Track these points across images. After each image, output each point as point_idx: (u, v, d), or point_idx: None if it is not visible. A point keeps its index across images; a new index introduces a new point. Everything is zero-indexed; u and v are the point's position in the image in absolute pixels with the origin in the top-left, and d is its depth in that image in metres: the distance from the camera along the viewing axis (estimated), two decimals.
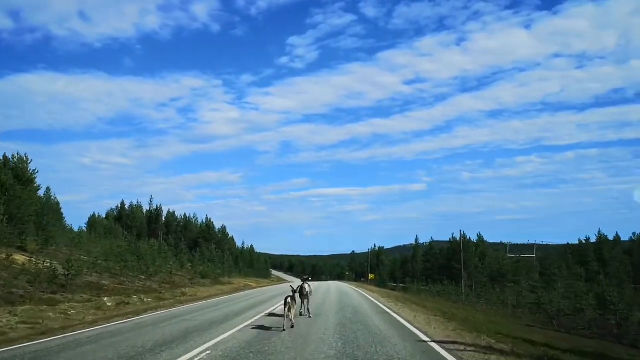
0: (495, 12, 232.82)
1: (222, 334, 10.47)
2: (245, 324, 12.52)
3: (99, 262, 29.76)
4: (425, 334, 10.45)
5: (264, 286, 54.60)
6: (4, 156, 35.99)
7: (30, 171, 36.70)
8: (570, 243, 73.64)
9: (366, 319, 13.71)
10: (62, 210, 48.84)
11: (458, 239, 62.53)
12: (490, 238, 75.78)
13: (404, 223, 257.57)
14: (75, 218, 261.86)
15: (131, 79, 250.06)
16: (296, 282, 14.74)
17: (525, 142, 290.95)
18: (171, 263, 43.64)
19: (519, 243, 79.20)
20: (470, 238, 65.61)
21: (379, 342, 9.26)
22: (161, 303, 21.33)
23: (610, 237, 68.08)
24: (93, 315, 15.79)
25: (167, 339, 9.80)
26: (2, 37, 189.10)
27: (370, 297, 26.52)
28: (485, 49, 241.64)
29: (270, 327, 11.61)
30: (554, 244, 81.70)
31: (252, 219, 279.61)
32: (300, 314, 13.80)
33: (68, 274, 21.57)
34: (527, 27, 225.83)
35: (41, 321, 13.54)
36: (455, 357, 7.73)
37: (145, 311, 17.22)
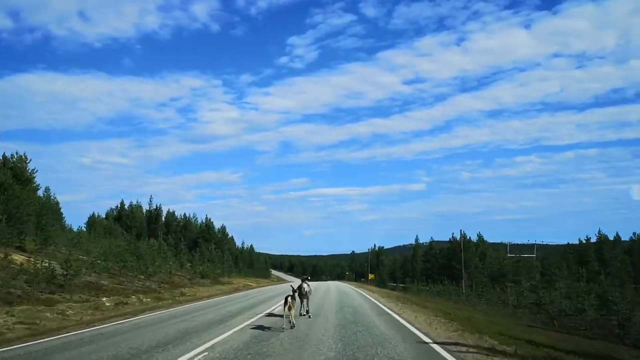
0: (495, 12, 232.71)
1: (220, 335, 10.32)
2: (244, 324, 12.39)
3: (98, 262, 29.63)
4: (426, 335, 10.30)
5: (263, 286, 54.48)
6: (3, 156, 35.96)
7: (29, 171, 36.65)
8: (570, 243, 73.56)
9: (366, 320, 13.57)
10: (61, 210, 48.86)
11: (458, 238, 62.41)
12: (490, 238, 75.77)
13: (403, 223, 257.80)
14: (75, 218, 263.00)
15: (131, 78, 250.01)
16: (296, 282, 14.61)
17: (525, 142, 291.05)
18: (170, 263, 43.49)
19: (519, 243, 79.14)
20: (470, 238, 65.55)
21: (379, 343, 9.11)
22: (160, 303, 21.20)
23: (611, 237, 68.05)
24: (91, 315, 15.66)
25: (163, 340, 9.65)
26: (2, 37, 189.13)
27: (370, 297, 26.39)
28: (485, 48, 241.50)
29: (269, 328, 11.48)
30: (554, 243, 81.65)
31: (252, 219, 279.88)
32: (300, 314, 13.67)
33: (66, 274, 21.45)
34: (527, 27, 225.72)
35: (38, 321, 13.41)
36: None
37: (143, 311, 17.08)
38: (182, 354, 8.08)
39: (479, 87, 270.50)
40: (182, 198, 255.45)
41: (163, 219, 78.44)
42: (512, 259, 64.65)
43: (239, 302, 22.49)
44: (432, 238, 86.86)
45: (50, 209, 37.93)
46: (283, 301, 11.91)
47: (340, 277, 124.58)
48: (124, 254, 33.76)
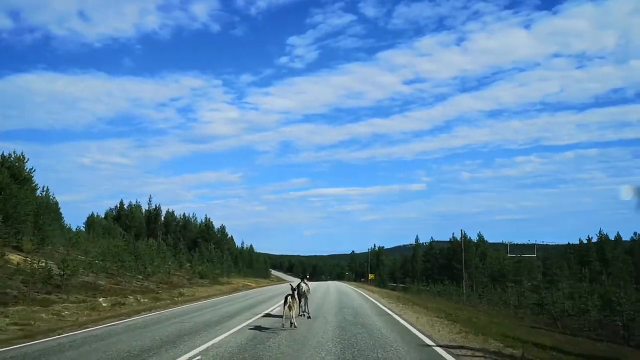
0: (494, 12, 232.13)
1: (216, 336, 10.03)
2: (241, 325, 12.10)
3: (96, 262, 29.40)
4: (429, 337, 10.00)
5: (263, 286, 54.25)
6: (2, 155, 35.65)
7: (27, 170, 36.34)
8: (570, 243, 73.33)
9: (367, 321, 13.30)
10: (60, 210, 48.51)
11: (458, 238, 62.14)
12: (490, 238, 75.48)
13: (403, 223, 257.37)
14: (75, 218, 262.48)
15: (131, 78, 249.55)
16: (296, 282, 14.36)
17: (525, 142, 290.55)
18: (169, 263, 43.23)
19: (519, 243, 78.80)
20: (470, 238, 65.28)
21: (380, 346, 8.81)
22: (157, 304, 20.94)
23: (611, 237, 67.81)
24: (87, 316, 15.42)
25: (157, 343, 9.36)
26: (2, 37, 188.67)
27: (371, 298, 26.15)
28: (485, 48, 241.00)
29: (267, 329, 11.20)
30: (554, 244, 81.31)
31: (252, 219, 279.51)
32: (299, 315, 13.41)
33: (63, 274, 21.23)
34: (527, 27, 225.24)
35: (33, 322, 13.19)
36: None
37: (139, 312, 16.80)
38: (175, 358, 7.78)
39: (479, 87, 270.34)
40: (182, 198, 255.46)
41: (162, 219, 78.12)
42: (512, 259, 64.38)
43: (238, 303, 22.24)
44: (432, 238, 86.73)
45: (49, 209, 37.62)
46: (283, 301, 11.66)
47: (340, 277, 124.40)
48: (122, 253, 33.50)
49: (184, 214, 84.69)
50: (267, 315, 15.06)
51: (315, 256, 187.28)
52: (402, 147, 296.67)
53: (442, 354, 8.01)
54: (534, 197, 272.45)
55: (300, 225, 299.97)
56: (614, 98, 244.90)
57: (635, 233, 69.50)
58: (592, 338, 16.96)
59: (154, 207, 78.06)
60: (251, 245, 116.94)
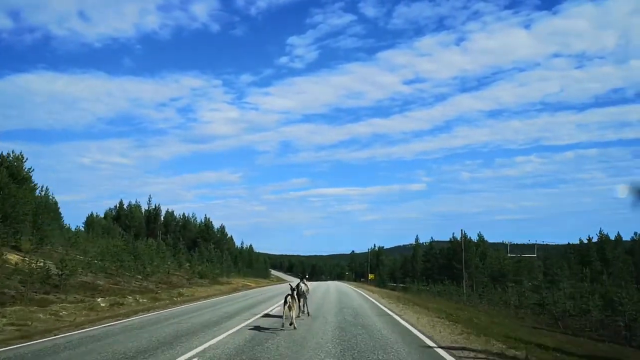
0: (494, 12, 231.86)
1: (214, 337, 9.88)
2: (240, 326, 11.96)
3: (95, 261, 29.26)
4: (430, 338, 9.84)
5: (263, 286, 54.14)
6: (0, 155, 35.50)
7: (26, 170, 36.19)
8: (570, 243, 73.24)
9: (367, 322, 13.15)
10: (60, 210, 48.37)
11: (458, 238, 62.01)
12: (490, 238, 75.34)
13: (403, 223, 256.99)
14: (75, 218, 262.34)
15: (131, 78, 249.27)
16: (296, 282, 14.25)
17: (525, 142, 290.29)
18: (169, 263, 43.08)
19: (519, 243, 78.71)
20: (470, 238, 65.15)
21: (380, 347, 8.66)
22: (156, 304, 20.81)
23: (611, 237, 67.71)
24: (85, 316, 15.29)
25: (153, 344, 9.20)
26: (2, 37, 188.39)
27: (371, 298, 26.03)
28: (485, 48, 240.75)
29: (266, 330, 11.07)
30: (554, 243, 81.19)
31: (252, 219, 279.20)
32: (298, 315, 13.29)
33: (62, 274, 21.10)
34: (527, 27, 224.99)
35: (30, 323, 13.06)
36: None
37: (137, 312, 16.65)
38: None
39: (479, 87, 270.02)
40: (182, 198, 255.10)
41: (162, 219, 78.01)
42: (512, 259, 64.27)
43: (237, 303, 22.12)
44: (432, 238, 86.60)
45: (48, 209, 37.47)
46: (282, 301, 11.54)
47: (340, 277, 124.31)
48: (122, 253, 33.36)
49: (184, 214, 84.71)
50: (267, 315, 14.93)
51: (315, 256, 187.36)
52: (402, 147, 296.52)
53: (445, 356, 7.84)
54: (534, 197, 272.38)
55: (300, 225, 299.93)
56: (614, 98, 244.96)
57: (635, 233, 69.48)
58: (593, 338, 16.85)
59: (153, 207, 78.02)
60: (251, 245, 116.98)
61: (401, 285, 65.08)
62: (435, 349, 8.56)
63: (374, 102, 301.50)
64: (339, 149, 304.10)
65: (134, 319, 14.67)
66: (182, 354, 8.10)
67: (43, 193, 42.61)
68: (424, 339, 9.81)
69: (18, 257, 24.14)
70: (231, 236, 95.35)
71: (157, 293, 25.85)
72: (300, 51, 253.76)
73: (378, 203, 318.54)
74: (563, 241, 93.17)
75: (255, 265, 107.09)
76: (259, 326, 11.86)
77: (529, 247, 73.35)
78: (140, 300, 21.66)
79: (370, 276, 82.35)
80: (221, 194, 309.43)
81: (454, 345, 8.90)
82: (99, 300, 19.60)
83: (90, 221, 62.82)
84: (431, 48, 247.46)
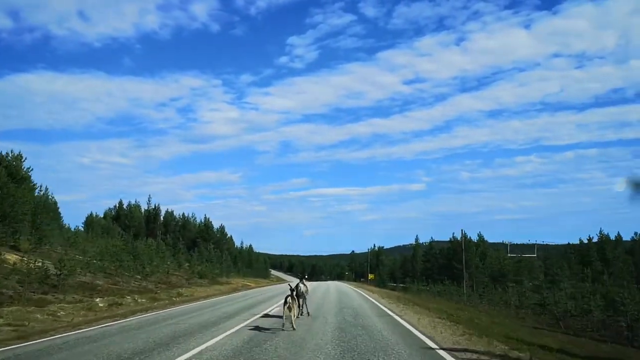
0: (494, 12, 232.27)
1: (211, 338, 9.75)
2: (238, 327, 11.83)
3: (94, 261, 29.13)
4: (431, 339, 9.70)
5: (262, 286, 54.01)
6: None
7: (25, 169, 36.07)
8: (570, 243, 73.14)
9: (367, 322, 13.02)
10: (59, 210, 48.24)
11: (458, 238, 61.86)
12: (490, 238, 75.27)
13: (403, 223, 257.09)
14: (74, 218, 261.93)
15: (131, 78, 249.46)
16: (295, 283, 14.14)
17: (525, 142, 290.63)
18: (168, 263, 42.92)
19: (519, 243, 78.61)
20: (470, 238, 65.03)
21: (381, 349, 8.52)
22: (155, 304, 20.69)
23: (611, 237, 67.57)
24: (83, 316, 15.17)
25: (149, 345, 9.07)
26: (2, 37, 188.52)
27: (371, 298, 25.90)
28: (485, 48, 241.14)
29: (265, 330, 10.94)
30: (554, 243, 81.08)
31: (252, 219, 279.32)
32: (298, 316, 13.17)
33: (60, 274, 20.96)
34: (527, 27, 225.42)
35: (27, 323, 12.93)
36: None
37: (135, 313, 16.52)
38: None
39: (479, 87, 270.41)
40: (181, 198, 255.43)
41: (161, 219, 77.85)
42: (512, 259, 64.14)
43: (237, 303, 22.00)
44: (432, 238, 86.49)
45: (47, 209, 37.33)
46: (282, 301, 11.42)
47: (340, 277, 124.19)
48: (121, 253, 33.22)
49: (183, 213, 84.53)
50: (266, 315, 14.82)
51: (315, 256, 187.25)
52: (402, 147, 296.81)
53: (446, 358, 7.70)
54: (534, 197, 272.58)
55: (300, 225, 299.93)
56: (614, 98, 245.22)
57: (635, 233, 69.39)
58: (595, 339, 16.73)
59: (153, 207, 77.84)
60: (251, 245, 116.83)
61: (401, 285, 64.93)
62: (437, 350, 8.40)
63: (374, 102, 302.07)
64: (339, 149, 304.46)
65: (132, 319, 14.55)
66: (179, 355, 7.96)
67: (42, 193, 42.56)
68: (425, 340, 9.66)
69: (16, 256, 24.01)
70: (231, 236, 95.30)
71: (156, 293, 25.71)
72: (300, 51, 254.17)
73: (378, 203, 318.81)
74: (563, 241, 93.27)
75: (255, 265, 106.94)
76: (258, 327, 11.74)
77: (529, 247, 73.21)
78: (139, 301, 21.54)
79: (370, 276, 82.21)
80: (221, 194, 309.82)
81: (456, 346, 8.74)
82: (97, 300, 19.47)
83: (90, 221, 62.70)
84: (431, 48, 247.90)
